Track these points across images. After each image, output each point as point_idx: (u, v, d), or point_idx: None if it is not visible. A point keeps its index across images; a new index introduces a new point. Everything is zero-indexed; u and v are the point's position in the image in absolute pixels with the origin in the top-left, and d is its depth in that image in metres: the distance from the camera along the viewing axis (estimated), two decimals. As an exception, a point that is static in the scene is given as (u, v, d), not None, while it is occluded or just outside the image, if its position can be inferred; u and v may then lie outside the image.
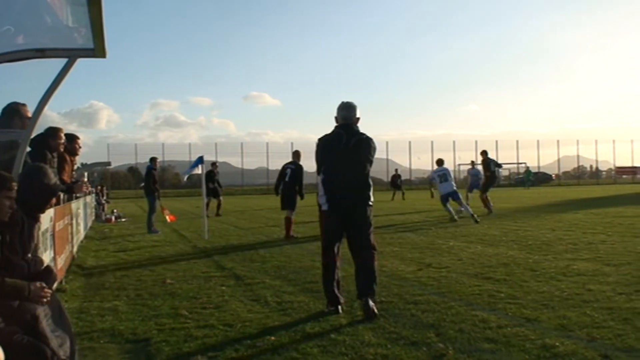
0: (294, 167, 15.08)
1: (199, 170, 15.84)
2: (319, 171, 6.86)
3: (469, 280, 8.18)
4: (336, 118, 6.86)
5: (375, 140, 6.85)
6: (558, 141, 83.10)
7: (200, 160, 15.71)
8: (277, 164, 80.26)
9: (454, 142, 78.89)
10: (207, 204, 21.96)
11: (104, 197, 31.68)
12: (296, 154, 15.53)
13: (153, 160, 18.56)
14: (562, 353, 4.83)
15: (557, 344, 5.07)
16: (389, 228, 16.74)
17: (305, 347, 5.21)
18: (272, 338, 5.51)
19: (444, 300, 6.94)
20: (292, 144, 75.27)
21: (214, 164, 26.76)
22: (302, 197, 15.27)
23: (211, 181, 24.74)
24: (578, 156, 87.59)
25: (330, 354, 5.01)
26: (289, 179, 14.92)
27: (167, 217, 17.92)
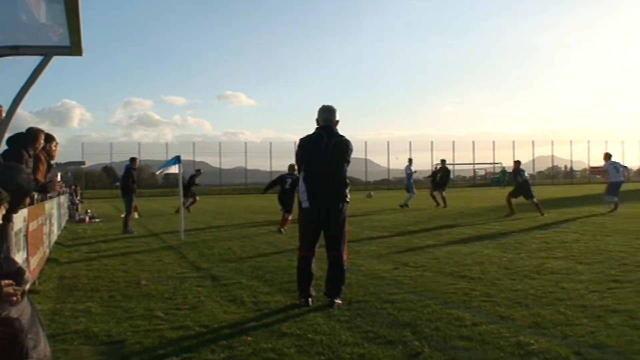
0: (293, 177, 16.06)
1: (175, 170, 15.73)
2: (299, 170, 7.22)
3: (445, 278, 8.24)
4: (317, 120, 7.19)
5: (353, 140, 7.31)
6: (533, 141, 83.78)
7: (177, 159, 15.61)
8: (254, 164, 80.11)
9: (431, 142, 79.20)
10: (184, 203, 23.36)
11: (78, 197, 31.44)
12: (292, 167, 16.71)
13: (133, 160, 18.44)
14: (536, 350, 4.89)
15: (531, 341, 5.12)
16: (366, 227, 16.77)
17: (282, 347, 5.21)
18: (249, 338, 5.50)
19: (420, 298, 6.99)
20: (270, 143, 75.24)
21: (198, 170, 29.65)
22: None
23: (193, 184, 27.34)
24: (553, 156, 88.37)
25: (307, 354, 5.02)
26: (290, 187, 16.09)
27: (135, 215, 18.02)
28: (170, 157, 19.32)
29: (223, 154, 75.27)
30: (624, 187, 22.32)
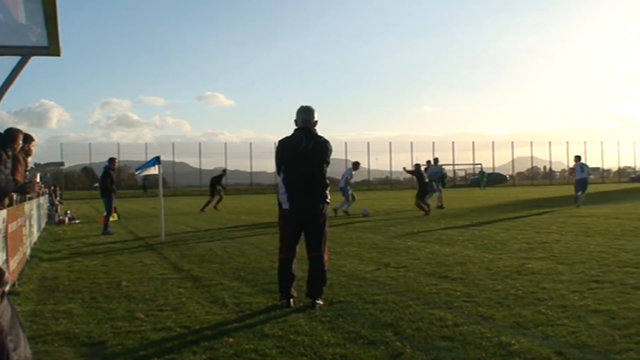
0: None
1: (155, 171, 15.65)
2: (279, 171, 7.18)
3: (427, 279, 8.26)
4: (296, 121, 7.16)
5: (333, 140, 7.30)
6: (512, 142, 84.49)
7: (156, 160, 15.54)
8: (234, 165, 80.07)
9: (411, 143, 79.55)
10: (209, 202, 29.27)
11: (57, 198, 31.20)
12: None
13: (111, 160, 18.33)
14: (518, 350, 4.91)
15: (513, 341, 5.14)
16: (348, 228, 16.79)
17: (264, 348, 5.19)
18: (231, 340, 5.48)
19: (402, 299, 7.00)
20: (250, 144, 75.14)
21: (224, 170, 32.70)
22: None
23: (219, 184, 30.53)
24: (532, 157, 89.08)
25: (289, 355, 5.01)
26: None
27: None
28: (149, 157, 19.21)
29: (203, 154, 75.16)
30: (604, 188, 24.10)
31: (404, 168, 25.82)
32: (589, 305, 6.40)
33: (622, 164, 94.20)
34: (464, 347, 5.07)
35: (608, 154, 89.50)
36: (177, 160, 78.75)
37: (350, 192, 22.65)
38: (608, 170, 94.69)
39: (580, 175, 25.67)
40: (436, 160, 27.29)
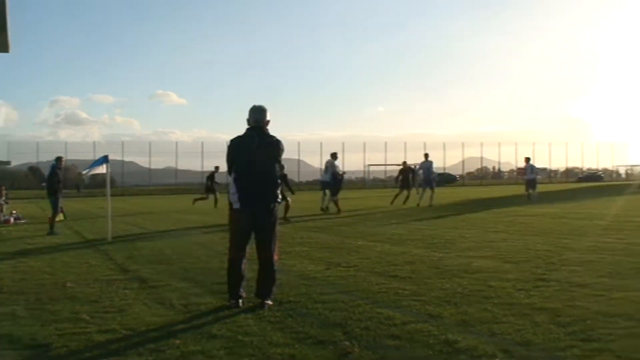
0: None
1: (103, 170, 15.38)
2: (230, 171, 7.12)
3: (376, 278, 8.29)
4: (248, 120, 7.10)
5: (286, 140, 7.28)
6: (463, 143, 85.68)
7: (104, 159, 15.28)
8: (185, 164, 79.42)
9: (364, 143, 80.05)
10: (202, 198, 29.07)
11: (3, 198, 30.46)
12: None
13: (58, 159, 17.96)
14: (464, 348, 4.96)
15: (459, 339, 5.19)
16: (299, 227, 16.77)
17: (212, 349, 5.14)
18: (177, 341, 5.41)
19: (351, 298, 7.01)
20: (202, 143, 74.68)
21: (216, 167, 31.48)
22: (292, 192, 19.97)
23: (210, 181, 30.18)
24: (482, 158, 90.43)
25: (237, 356, 4.97)
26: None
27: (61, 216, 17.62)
28: (98, 156, 18.88)
29: (153, 153, 74.40)
30: (551, 188, 25.15)
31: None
32: (534, 303, 6.50)
33: (570, 165, 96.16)
34: (412, 345, 5.11)
35: (556, 155, 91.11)
36: (126, 159, 77.86)
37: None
38: (555, 171, 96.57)
39: (530, 175, 28.93)
40: (426, 155, 27.78)
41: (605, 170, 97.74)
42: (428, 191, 26.41)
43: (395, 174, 32.61)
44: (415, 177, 28.03)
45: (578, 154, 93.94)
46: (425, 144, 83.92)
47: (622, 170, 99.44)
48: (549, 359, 4.68)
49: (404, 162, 28.56)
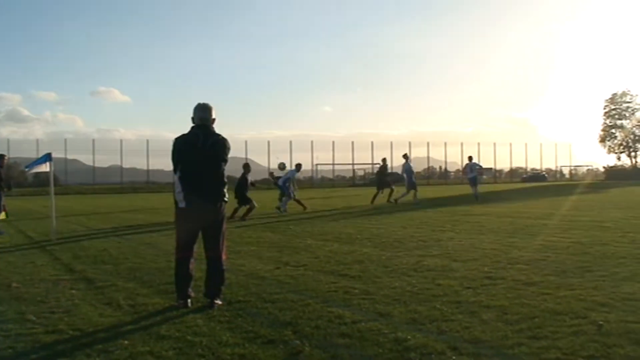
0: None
1: (46, 168, 15.06)
2: (175, 169, 6.98)
3: (325, 277, 8.29)
4: (193, 119, 7.00)
5: (233, 139, 7.12)
6: (410, 143, 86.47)
7: (47, 157, 14.96)
8: (130, 162, 78.25)
9: (312, 142, 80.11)
10: None
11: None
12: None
13: (1, 157, 17.52)
14: (413, 346, 4.98)
15: (409, 337, 5.22)
16: (248, 227, 16.70)
17: (160, 350, 5.07)
18: (126, 342, 5.33)
19: (301, 297, 7.00)
20: (147, 141, 73.75)
21: None
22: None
23: None
24: (428, 157, 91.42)
25: (186, 356, 4.91)
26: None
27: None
28: (40, 154, 18.48)
29: (97, 151, 73.12)
30: (497, 187, 25.75)
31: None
32: (482, 301, 6.58)
33: (515, 165, 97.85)
34: (362, 343, 5.12)
35: (501, 155, 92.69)
36: (69, 157, 76.44)
37: (291, 190, 23.74)
38: (500, 171, 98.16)
39: (470, 174, 29.90)
40: (406, 156, 28.43)
41: (549, 171, 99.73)
42: (412, 192, 27.50)
43: (351, 173, 34.07)
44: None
45: (522, 155, 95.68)
46: (372, 143, 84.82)
47: (565, 171, 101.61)
48: (497, 357, 4.73)
49: (384, 160, 30.37)
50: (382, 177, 28.78)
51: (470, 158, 30.67)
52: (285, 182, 23.69)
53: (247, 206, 20.19)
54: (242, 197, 20.20)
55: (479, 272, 8.37)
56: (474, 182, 29.61)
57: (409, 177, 27.75)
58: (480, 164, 31.25)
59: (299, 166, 25.61)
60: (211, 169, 6.85)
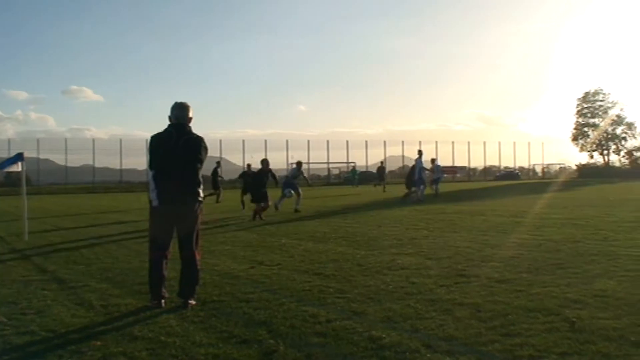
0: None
1: (18, 168, 14.88)
2: (150, 168, 6.97)
3: (300, 276, 8.29)
4: (170, 117, 6.98)
5: (207, 138, 7.12)
6: (385, 142, 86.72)
7: (19, 156, 14.78)
8: (103, 162, 77.48)
9: (287, 141, 79.96)
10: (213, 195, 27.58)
11: None
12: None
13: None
14: (388, 344, 4.99)
15: (383, 335, 5.23)
16: (222, 227, 16.63)
17: (134, 350, 5.03)
18: (99, 343, 5.28)
19: (275, 297, 6.98)
20: (120, 140, 73.17)
21: (218, 162, 31.28)
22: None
23: (214, 176, 29.92)
24: (403, 156, 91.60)
25: (159, 357, 4.88)
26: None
27: None
28: (12, 154, 18.26)
29: (69, 151, 72.29)
30: (470, 186, 26.46)
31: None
32: (455, 298, 6.61)
33: (488, 163, 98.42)
34: (337, 342, 5.12)
35: (475, 154, 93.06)
36: (41, 156, 75.60)
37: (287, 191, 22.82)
38: (474, 169, 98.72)
39: (437, 174, 32.26)
40: (420, 152, 29.36)
41: (521, 169, 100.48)
42: (421, 188, 27.98)
43: (326, 172, 36.19)
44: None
45: (496, 153, 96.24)
46: (348, 142, 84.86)
47: (538, 169, 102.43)
48: (471, 354, 4.75)
49: (382, 162, 34.12)
50: (411, 176, 29.16)
51: (434, 160, 32.23)
52: (291, 181, 23.17)
53: (262, 204, 19.18)
54: (260, 194, 19.16)
55: (453, 270, 8.41)
56: (437, 181, 31.77)
57: (419, 173, 28.20)
58: (439, 164, 33.62)
59: (299, 164, 24.58)
60: (184, 168, 6.79)
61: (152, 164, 6.93)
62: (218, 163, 30.27)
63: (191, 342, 5.24)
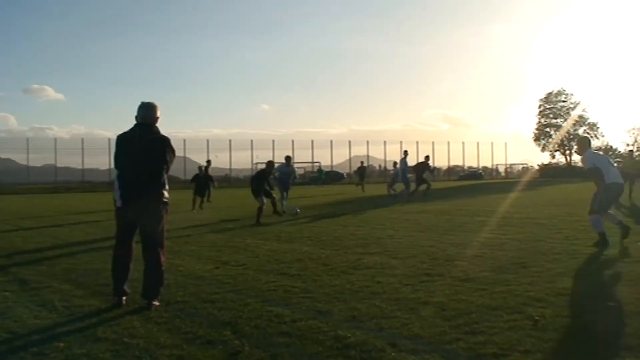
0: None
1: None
2: (115, 168, 6.94)
3: (265, 276, 8.27)
4: (136, 117, 6.92)
5: (171, 137, 7.02)
6: (350, 142, 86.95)
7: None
8: (65, 161, 76.37)
9: (251, 140, 79.66)
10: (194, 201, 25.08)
11: None
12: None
13: None
14: (353, 343, 5.01)
15: (349, 334, 5.25)
16: (187, 227, 16.51)
17: (97, 352, 4.98)
18: (61, 344, 5.22)
19: (240, 297, 6.96)
20: (82, 140, 72.24)
21: (209, 161, 30.11)
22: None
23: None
24: (368, 156, 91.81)
25: (123, 358, 4.84)
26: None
27: None
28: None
29: (31, 150, 71.16)
30: (435, 185, 27.74)
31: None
32: (420, 297, 6.66)
33: (452, 163, 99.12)
34: (302, 342, 5.12)
35: (439, 154, 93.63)
36: (2, 156, 74.46)
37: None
38: (439, 169, 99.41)
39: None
40: (405, 152, 30.00)
41: (485, 169, 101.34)
42: (404, 187, 28.35)
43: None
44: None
45: (460, 153, 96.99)
46: (313, 142, 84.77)
47: (501, 169, 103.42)
48: (435, 352, 4.79)
49: (362, 162, 34.78)
50: (420, 173, 29.43)
51: (395, 164, 33.50)
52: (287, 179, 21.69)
53: (270, 201, 18.60)
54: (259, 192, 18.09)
55: (418, 269, 8.46)
56: (395, 182, 31.95)
57: (404, 173, 28.53)
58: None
59: (288, 158, 22.65)
60: (148, 168, 6.72)
61: (116, 163, 6.87)
62: (208, 162, 30.13)
63: (155, 343, 5.20)
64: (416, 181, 29.33)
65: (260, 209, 17.57)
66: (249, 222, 17.40)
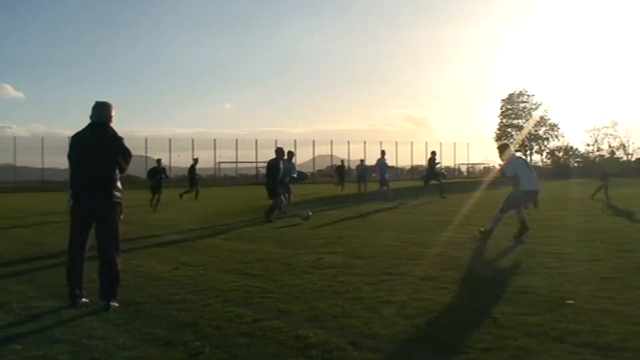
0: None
1: None
2: (70, 167, 6.89)
3: (226, 277, 8.23)
4: (91, 116, 6.85)
5: (133, 137, 7.12)
6: (313, 141, 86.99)
7: None
8: (24, 161, 75.10)
9: (214, 140, 79.22)
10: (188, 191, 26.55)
11: None
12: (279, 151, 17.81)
13: None
14: (315, 343, 5.01)
15: (310, 334, 5.25)
16: (147, 226, 16.35)
17: (55, 354, 4.92)
18: (19, 346, 5.14)
19: (200, 298, 6.92)
20: (42, 139, 71.17)
21: (196, 159, 31.27)
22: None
23: (192, 174, 29.93)
24: (332, 155, 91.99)
25: (81, 360, 4.78)
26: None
27: None
28: None
29: (-12, 149, 69.90)
30: (398, 185, 27.26)
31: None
32: (381, 296, 6.69)
33: (415, 163, 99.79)
34: (263, 342, 5.11)
35: (402, 154, 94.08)
36: (-39, 155, 72.97)
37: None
38: (402, 169, 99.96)
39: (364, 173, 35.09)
40: (383, 152, 29.87)
41: (447, 169, 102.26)
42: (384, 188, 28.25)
43: (254, 171, 37.47)
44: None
45: (422, 153, 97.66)
46: (276, 141, 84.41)
47: (463, 168, 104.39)
48: (397, 351, 4.81)
49: (342, 161, 35.68)
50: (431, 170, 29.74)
51: (362, 161, 36.20)
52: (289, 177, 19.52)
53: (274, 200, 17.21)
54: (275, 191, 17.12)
55: (379, 268, 8.50)
56: (365, 180, 34.56)
57: (382, 173, 28.51)
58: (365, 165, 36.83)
59: (290, 154, 20.33)
60: (99, 167, 6.68)
61: (70, 163, 6.85)
62: (195, 160, 30.22)
63: (114, 344, 5.15)
64: (426, 178, 29.48)
65: (276, 205, 16.93)
66: (211, 223, 17.31)
